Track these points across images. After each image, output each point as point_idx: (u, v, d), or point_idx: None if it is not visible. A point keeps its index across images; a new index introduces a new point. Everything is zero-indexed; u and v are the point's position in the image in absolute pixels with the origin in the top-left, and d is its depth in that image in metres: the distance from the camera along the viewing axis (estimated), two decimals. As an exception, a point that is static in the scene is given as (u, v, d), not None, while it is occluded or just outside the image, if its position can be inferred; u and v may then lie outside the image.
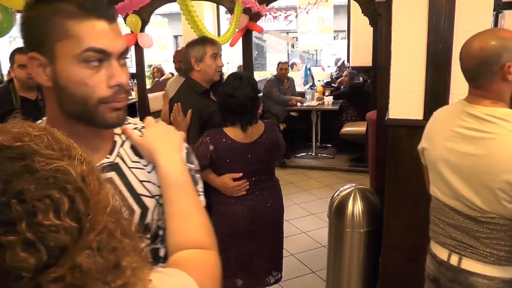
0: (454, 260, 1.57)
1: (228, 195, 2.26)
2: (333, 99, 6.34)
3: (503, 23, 5.99)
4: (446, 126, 1.56)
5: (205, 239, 0.90)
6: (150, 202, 0.96)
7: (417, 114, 2.23)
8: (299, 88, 7.08)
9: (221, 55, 2.53)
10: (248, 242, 2.30)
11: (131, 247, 0.62)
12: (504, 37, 1.41)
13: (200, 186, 1.05)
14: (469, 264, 1.53)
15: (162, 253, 0.99)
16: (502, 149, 1.38)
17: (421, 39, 2.15)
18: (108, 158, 0.95)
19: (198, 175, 1.05)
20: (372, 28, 4.74)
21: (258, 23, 4.73)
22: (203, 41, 2.50)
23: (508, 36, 1.42)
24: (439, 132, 1.60)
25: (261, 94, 6.32)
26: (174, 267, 0.80)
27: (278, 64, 6.45)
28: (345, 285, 2.84)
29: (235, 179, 2.23)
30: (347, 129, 6.13)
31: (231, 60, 8.37)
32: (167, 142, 0.96)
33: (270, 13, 4.36)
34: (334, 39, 8.04)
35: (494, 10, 2.08)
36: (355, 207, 2.73)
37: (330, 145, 6.78)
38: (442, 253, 1.63)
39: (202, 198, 1.04)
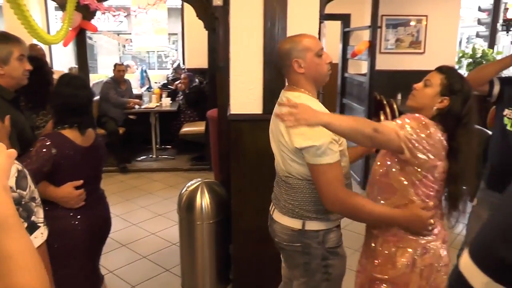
0: (271, 210, 2.00)
1: (67, 208, 2.06)
2: (187, 104, 6.46)
3: (325, 31, 6.81)
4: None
5: (32, 283, 0.73)
6: None
7: (257, 109, 2.45)
8: (135, 90, 6.96)
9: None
10: (91, 253, 2.18)
11: None
12: (295, 40, 1.81)
13: (39, 216, 0.91)
14: (275, 214, 1.95)
15: None
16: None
17: (258, 41, 2.37)
18: None
19: (33, 203, 0.89)
20: (207, 31, 4.94)
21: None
22: (7, 39, 2.07)
23: (298, 39, 1.80)
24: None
25: (98, 97, 6.07)
26: None
27: (114, 66, 6.24)
28: (200, 277, 2.96)
29: (76, 188, 2.06)
30: (186, 129, 6.27)
31: (59, 61, 7.76)
32: None
33: (108, 12, 4.20)
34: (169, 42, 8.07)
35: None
36: (203, 200, 2.87)
37: (170, 147, 6.84)
38: (271, 206, 2.06)
39: (42, 229, 0.91)
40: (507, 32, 5.97)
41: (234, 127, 2.47)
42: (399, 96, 6.42)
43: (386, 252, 1.78)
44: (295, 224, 1.84)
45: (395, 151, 1.69)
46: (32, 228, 0.88)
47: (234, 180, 2.56)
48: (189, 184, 3.01)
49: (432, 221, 1.71)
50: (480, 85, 2.53)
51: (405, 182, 1.72)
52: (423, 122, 1.68)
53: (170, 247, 3.77)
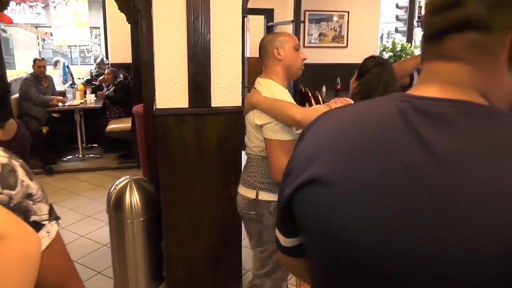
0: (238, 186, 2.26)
1: None
2: (111, 102, 6.23)
3: (248, 25, 6.86)
4: None
5: None
6: None
7: (182, 103, 2.43)
8: (58, 87, 6.63)
9: None
10: None
11: None
12: (277, 33, 2.15)
13: (42, 213, 0.82)
14: (239, 187, 2.22)
15: None
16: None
17: (181, 35, 2.35)
18: None
19: (30, 201, 0.79)
20: (129, 25, 4.80)
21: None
22: None
23: (280, 33, 2.15)
24: None
25: (17, 95, 5.72)
26: None
27: (34, 62, 5.84)
28: (132, 276, 2.89)
29: None
30: (113, 126, 6.07)
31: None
32: None
33: (24, 2, 3.93)
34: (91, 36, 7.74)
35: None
36: (133, 197, 2.80)
37: (96, 145, 6.60)
38: None
39: (49, 227, 0.83)
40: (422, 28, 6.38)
41: (160, 122, 2.44)
42: (323, 88, 6.65)
43: None
44: (251, 193, 2.11)
45: None
46: (34, 228, 0.77)
47: (163, 176, 2.53)
48: (117, 182, 2.93)
49: None
50: (402, 77, 2.73)
51: None
52: (349, 103, 1.90)
53: (101, 249, 3.65)
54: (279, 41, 2.06)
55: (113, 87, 6.36)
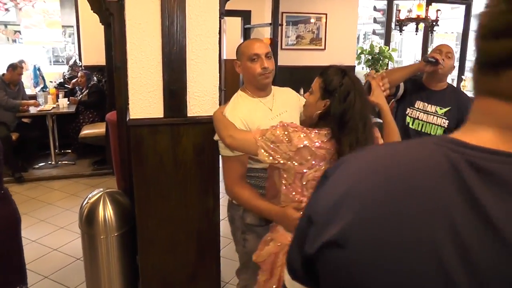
0: None
1: None
2: (84, 107, 6.04)
3: (225, 27, 6.76)
4: None
5: None
6: None
7: (157, 112, 2.31)
8: (29, 90, 6.38)
9: None
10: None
11: None
12: (240, 45, 2.13)
13: None
14: None
15: None
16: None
17: (156, 41, 2.22)
18: None
19: None
20: (103, 26, 4.63)
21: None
22: None
23: (241, 45, 2.13)
24: None
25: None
26: None
27: (15, 67, 5.55)
28: (106, 293, 2.76)
29: None
30: (86, 131, 5.88)
31: None
32: None
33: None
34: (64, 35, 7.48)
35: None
36: (106, 211, 2.68)
37: (70, 151, 6.39)
38: None
39: None
40: (401, 32, 6.46)
41: (134, 132, 2.31)
42: (301, 91, 6.59)
43: (265, 237, 1.95)
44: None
45: (250, 153, 1.88)
46: None
47: (137, 188, 2.41)
48: (90, 195, 2.79)
49: None
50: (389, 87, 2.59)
51: (281, 185, 1.81)
52: (288, 131, 1.70)
53: (75, 263, 3.48)
54: (238, 54, 2.10)
55: (87, 91, 6.17)
